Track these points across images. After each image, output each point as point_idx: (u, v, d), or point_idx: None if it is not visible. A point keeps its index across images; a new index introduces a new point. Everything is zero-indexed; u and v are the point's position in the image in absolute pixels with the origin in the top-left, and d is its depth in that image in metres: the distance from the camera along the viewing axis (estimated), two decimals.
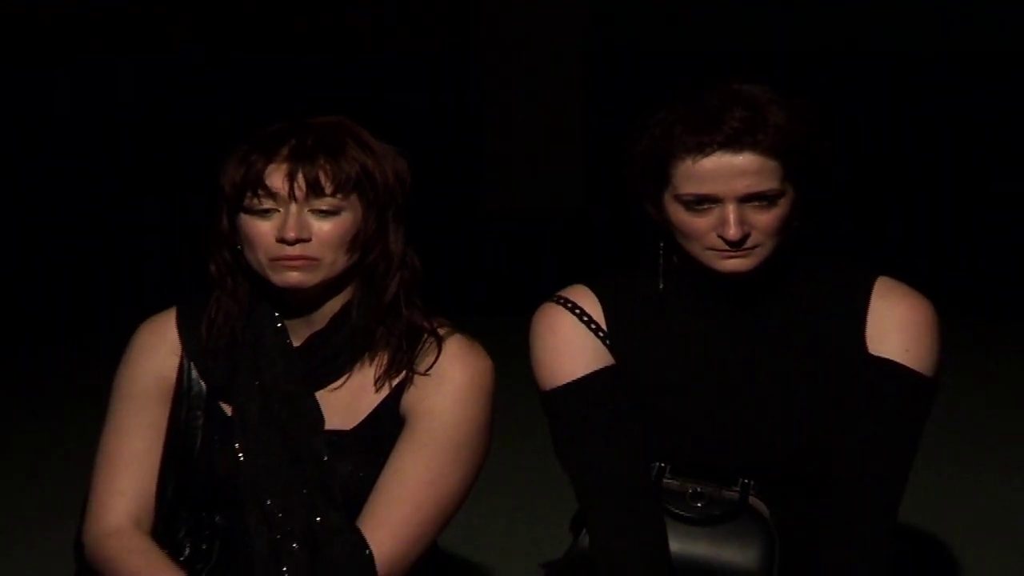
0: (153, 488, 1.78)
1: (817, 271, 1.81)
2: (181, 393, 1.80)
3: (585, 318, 1.81)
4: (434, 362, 1.77)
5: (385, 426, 1.78)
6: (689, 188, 1.72)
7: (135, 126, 8.34)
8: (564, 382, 1.79)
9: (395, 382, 1.78)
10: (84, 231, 7.32)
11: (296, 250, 1.72)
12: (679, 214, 1.74)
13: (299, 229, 1.71)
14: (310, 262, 1.73)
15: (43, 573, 2.67)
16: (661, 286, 1.82)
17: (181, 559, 1.76)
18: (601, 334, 1.81)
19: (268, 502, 1.73)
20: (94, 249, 6.91)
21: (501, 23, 7.79)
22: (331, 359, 1.79)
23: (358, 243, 1.75)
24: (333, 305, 1.78)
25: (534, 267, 3.05)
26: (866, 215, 6.22)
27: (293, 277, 1.73)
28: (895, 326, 1.78)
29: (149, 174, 8.04)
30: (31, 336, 5.01)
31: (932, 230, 7.19)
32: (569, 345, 1.81)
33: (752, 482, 1.78)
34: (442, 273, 1.88)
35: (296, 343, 1.78)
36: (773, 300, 1.79)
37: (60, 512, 2.69)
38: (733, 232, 1.70)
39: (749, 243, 1.71)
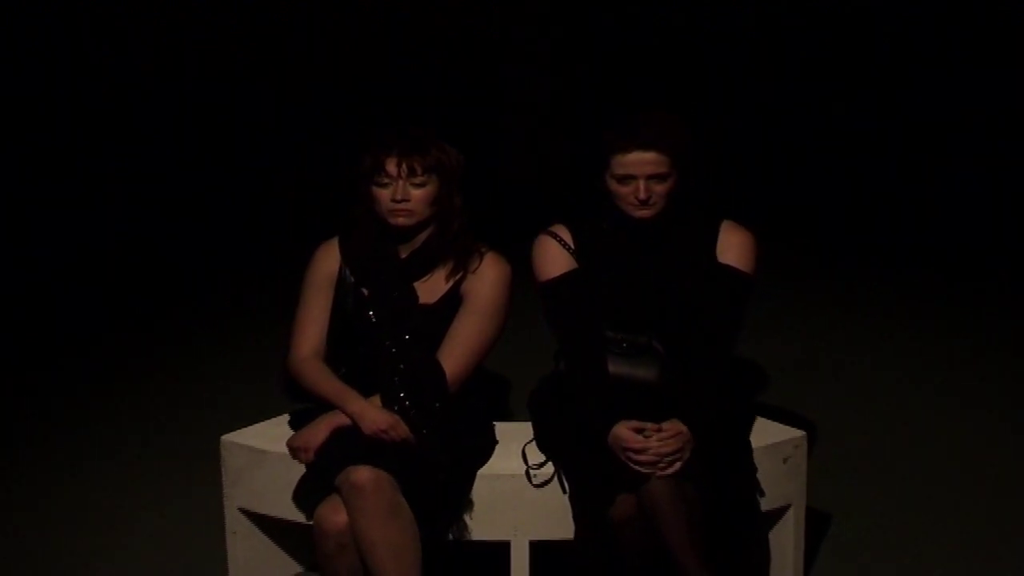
0: (324, 335, 3.07)
1: (689, 216, 3.08)
2: (339, 282, 3.09)
3: (562, 242, 3.07)
4: (478, 266, 3.07)
5: (451, 302, 3.06)
6: (619, 171, 2.97)
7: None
8: (549, 278, 3.06)
9: (456, 277, 3.07)
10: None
11: (401, 206, 3.00)
12: (614, 185, 3.00)
13: (403, 194, 3.00)
14: (409, 212, 3.01)
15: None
16: (605, 225, 3.08)
17: (339, 375, 3.04)
18: (570, 251, 3.07)
19: (387, 343, 3.03)
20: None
21: (517, 56, 10.22)
22: (421, 265, 3.08)
23: (436, 202, 3.03)
24: (422, 236, 3.07)
25: (533, 214, 4.26)
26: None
27: (400, 221, 3.02)
28: (732, 246, 3.05)
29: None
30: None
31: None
32: (552, 257, 3.07)
33: (653, 333, 3.03)
34: (482, 215, 3.16)
35: (402, 256, 3.07)
36: (665, 232, 3.05)
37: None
38: (642, 195, 2.96)
39: (651, 201, 2.97)
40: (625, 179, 2.97)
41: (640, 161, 2.96)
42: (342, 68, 10.23)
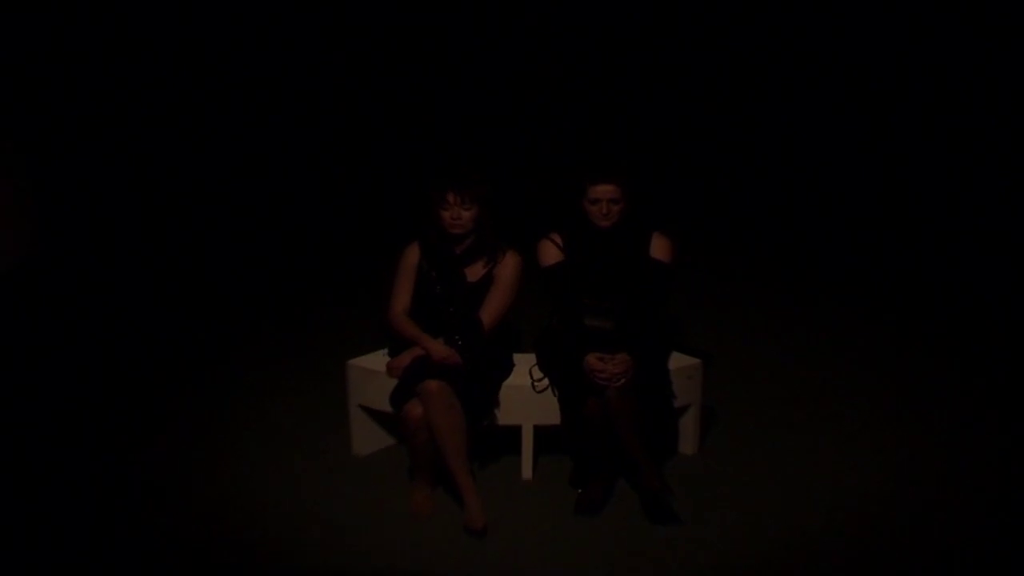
0: (409, 300, 5.80)
1: (634, 227, 5.75)
2: (419, 268, 5.85)
3: (556, 242, 5.78)
4: (503, 258, 5.80)
5: (486, 281, 5.81)
6: (591, 196, 5.64)
7: None
8: (547, 265, 5.77)
9: (490, 266, 5.81)
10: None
11: (456, 222, 5.74)
12: (587, 205, 5.68)
13: (457, 215, 5.73)
14: (462, 226, 5.74)
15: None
16: (582, 233, 5.72)
17: (419, 325, 5.72)
18: (560, 248, 5.76)
19: (448, 306, 5.82)
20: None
21: (518, 57, 11.58)
22: (468, 258, 5.81)
23: (477, 219, 5.76)
24: (469, 241, 5.81)
25: (539, 224, 6.19)
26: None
27: (456, 231, 5.76)
28: (659, 247, 5.75)
29: None
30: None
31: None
32: (549, 253, 5.78)
33: (612, 300, 5.63)
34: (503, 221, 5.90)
35: (457, 252, 5.82)
36: (618, 238, 5.70)
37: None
38: (605, 211, 5.63)
39: (610, 216, 5.64)
40: (594, 201, 5.58)
41: (604, 190, 5.57)
42: (342, 68, 11.62)
